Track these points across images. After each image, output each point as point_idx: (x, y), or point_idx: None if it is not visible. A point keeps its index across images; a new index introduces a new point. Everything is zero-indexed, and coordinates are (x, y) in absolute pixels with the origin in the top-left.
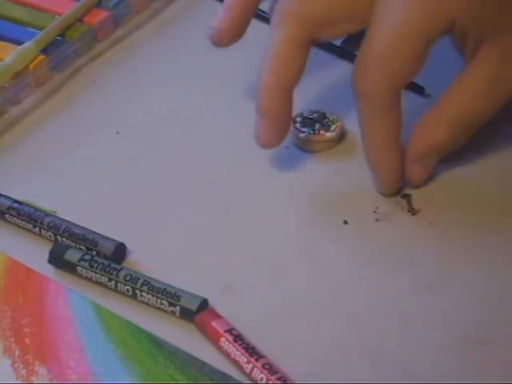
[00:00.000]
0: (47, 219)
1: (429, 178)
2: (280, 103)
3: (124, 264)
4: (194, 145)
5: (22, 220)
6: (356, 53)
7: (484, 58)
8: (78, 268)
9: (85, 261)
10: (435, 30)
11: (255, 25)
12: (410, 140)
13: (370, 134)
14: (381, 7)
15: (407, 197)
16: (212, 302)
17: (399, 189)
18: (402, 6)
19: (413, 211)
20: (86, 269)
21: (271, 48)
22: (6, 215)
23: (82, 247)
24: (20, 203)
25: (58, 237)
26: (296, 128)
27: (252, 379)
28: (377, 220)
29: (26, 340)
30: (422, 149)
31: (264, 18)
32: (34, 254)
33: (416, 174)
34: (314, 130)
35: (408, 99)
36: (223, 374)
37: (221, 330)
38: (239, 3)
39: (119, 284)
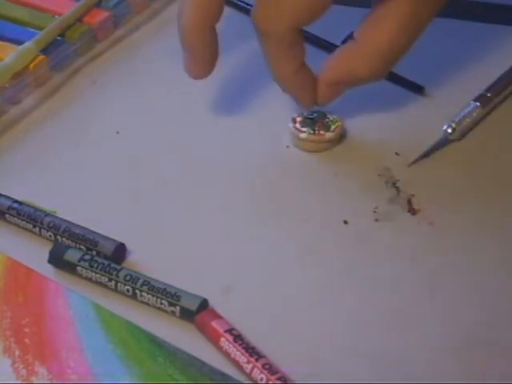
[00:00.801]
0: (47, 219)
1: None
2: (204, 39)
3: (124, 264)
4: (194, 145)
5: (22, 220)
6: None
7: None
8: (78, 268)
9: (85, 261)
10: None
11: None
12: (329, 61)
13: (277, 69)
14: None
15: (408, 197)
16: (212, 302)
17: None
18: None
19: (413, 211)
20: (86, 269)
21: None
22: (6, 215)
23: (82, 247)
24: (20, 203)
25: (58, 237)
26: (296, 128)
27: (252, 379)
28: (377, 220)
29: (26, 340)
30: (341, 75)
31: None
32: (34, 254)
33: (326, 96)
34: (314, 130)
35: (408, 99)
36: (223, 374)
37: (221, 330)
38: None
39: (119, 284)
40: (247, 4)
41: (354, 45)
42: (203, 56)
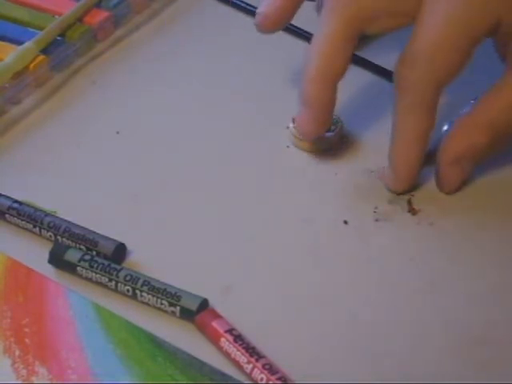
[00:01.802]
0: (47, 219)
1: (463, 184)
2: (326, 93)
3: (124, 264)
4: (194, 145)
5: (22, 220)
6: (357, 53)
7: None
8: (78, 268)
9: (85, 261)
10: (480, 28)
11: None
12: (445, 141)
13: (404, 127)
14: (428, 3)
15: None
16: (212, 302)
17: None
18: (448, 4)
19: (413, 211)
20: (86, 269)
21: (319, 41)
22: (6, 215)
23: (82, 247)
24: (20, 203)
25: (58, 237)
26: (296, 128)
27: (252, 379)
28: (377, 220)
29: (26, 340)
30: (461, 150)
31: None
32: (34, 254)
33: (452, 176)
34: None
35: None
36: (223, 374)
37: (221, 330)
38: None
39: (119, 284)
40: (248, 4)
41: (467, 117)
42: (322, 112)
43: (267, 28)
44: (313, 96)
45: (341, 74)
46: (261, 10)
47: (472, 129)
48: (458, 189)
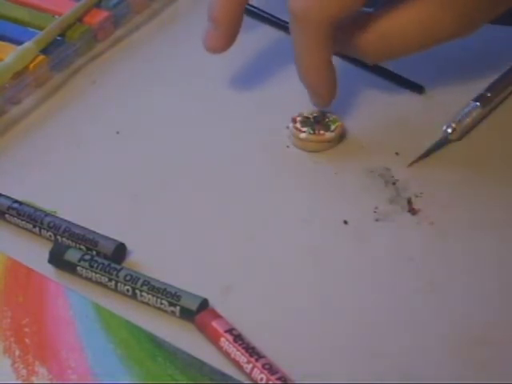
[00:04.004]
0: (47, 219)
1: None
2: (234, 10)
3: (124, 264)
4: (194, 145)
5: (22, 220)
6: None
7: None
8: (78, 268)
9: (85, 261)
10: None
11: (255, 25)
12: (376, 15)
13: (308, 60)
14: None
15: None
16: (212, 302)
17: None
18: None
19: (413, 211)
20: (86, 269)
21: None
22: (6, 215)
23: (82, 247)
24: (20, 203)
25: (58, 237)
26: (296, 128)
27: (252, 379)
28: (377, 220)
29: (26, 340)
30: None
31: (262, 17)
32: (34, 254)
33: (376, 48)
34: (313, 130)
35: (408, 99)
36: (223, 374)
37: (221, 330)
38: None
39: (119, 284)
40: (248, 4)
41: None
42: (228, 30)
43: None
44: (220, 13)
45: None
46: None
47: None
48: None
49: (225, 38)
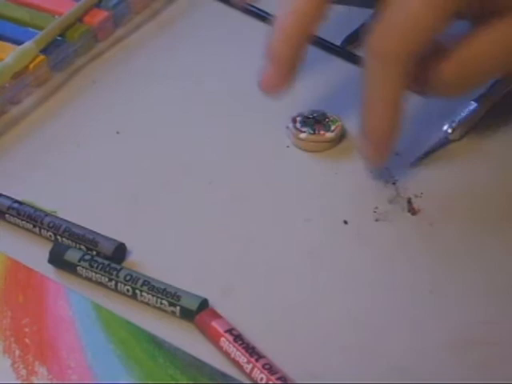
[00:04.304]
0: (47, 219)
1: None
2: (297, 51)
3: (124, 264)
4: (194, 145)
5: (22, 220)
6: (356, 52)
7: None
8: (78, 268)
9: (85, 261)
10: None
11: (255, 25)
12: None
13: (378, 96)
14: None
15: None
16: (212, 302)
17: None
18: None
19: (413, 211)
20: (86, 269)
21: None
22: (6, 215)
23: (82, 247)
24: (20, 203)
25: (58, 237)
26: (296, 128)
27: (252, 379)
28: (377, 220)
29: (26, 340)
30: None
31: (263, 17)
32: (34, 254)
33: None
34: (314, 130)
35: (408, 98)
36: (223, 374)
37: (221, 330)
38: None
39: (119, 284)
40: (248, 4)
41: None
42: (289, 70)
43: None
44: (282, 53)
45: (313, 32)
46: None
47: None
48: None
49: (287, 77)
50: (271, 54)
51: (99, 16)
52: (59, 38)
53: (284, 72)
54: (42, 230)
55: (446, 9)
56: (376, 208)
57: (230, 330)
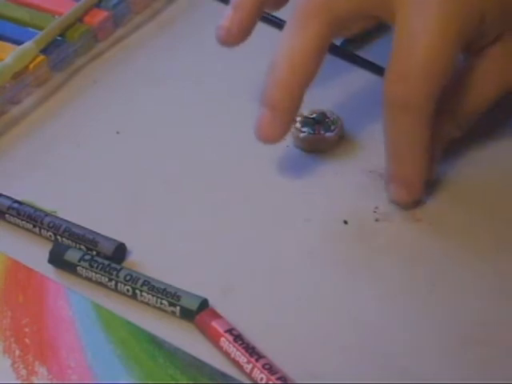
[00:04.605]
0: (47, 219)
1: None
2: (296, 100)
3: (124, 264)
4: (194, 145)
5: (22, 220)
6: (356, 53)
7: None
8: (78, 268)
9: (85, 261)
10: (470, 26)
11: (256, 26)
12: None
13: (408, 143)
14: (408, 2)
15: None
16: (212, 302)
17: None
18: (434, 3)
19: (413, 211)
20: (86, 269)
21: (292, 44)
22: (6, 215)
23: (82, 247)
24: (20, 203)
25: (58, 237)
26: (296, 128)
27: (252, 379)
28: (377, 220)
29: (26, 340)
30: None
31: (263, 17)
32: (34, 254)
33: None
34: (314, 130)
35: None
36: (223, 374)
37: (221, 330)
38: (249, 3)
39: (119, 284)
40: None
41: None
42: (287, 118)
43: (229, 42)
44: (281, 102)
45: (312, 79)
46: (223, 24)
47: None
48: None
49: (284, 125)
50: (269, 103)
51: (99, 16)
52: (59, 37)
53: (283, 121)
54: (42, 230)
55: (458, 41)
56: (376, 208)
57: (229, 330)
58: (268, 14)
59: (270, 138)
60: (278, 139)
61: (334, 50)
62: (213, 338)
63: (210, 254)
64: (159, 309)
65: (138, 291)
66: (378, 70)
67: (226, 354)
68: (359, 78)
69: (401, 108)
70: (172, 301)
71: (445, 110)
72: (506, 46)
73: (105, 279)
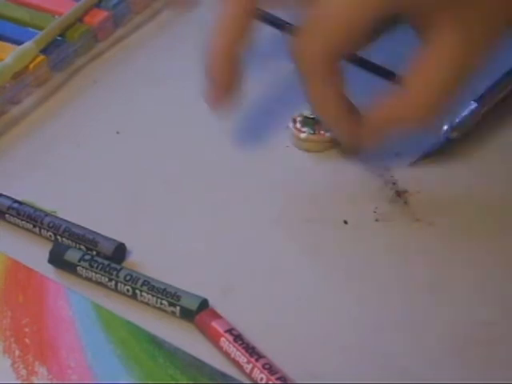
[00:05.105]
0: (47, 219)
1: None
2: (229, 67)
3: (124, 264)
4: (194, 145)
5: (22, 220)
6: (356, 53)
7: (445, 40)
8: (78, 268)
9: (85, 261)
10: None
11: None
12: (375, 111)
13: (313, 95)
14: None
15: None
16: (212, 302)
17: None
18: None
19: (412, 211)
20: (86, 269)
21: (221, 18)
22: (6, 215)
23: (82, 247)
24: (20, 203)
25: (58, 237)
26: (296, 128)
27: (252, 379)
28: (377, 220)
29: (26, 340)
30: (387, 124)
31: (262, 17)
32: (34, 254)
33: (373, 140)
34: (314, 130)
35: None
36: (223, 374)
37: (221, 330)
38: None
39: (119, 284)
40: None
41: (403, 93)
42: (227, 87)
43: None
44: (218, 70)
45: (244, 47)
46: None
47: (407, 107)
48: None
49: (226, 96)
50: (208, 73)
51: (99, 16)
52: (59, 37)
53: (222, 90)
54: (42, 230)
55: (370, 8)
56: (376, 208)
57: (229, 330)
58: (271, 14)
59: (214, 105)
60: (223, 107)
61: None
62: (213, 338)
63: (210, 254)
64: (159, 309)
65: (138, 291)
66: (378, 70)
67: (226, 354)
68: (359, 78)
69: (301, 61)
70: (172, 301)
71: None
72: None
73: (105, 279)
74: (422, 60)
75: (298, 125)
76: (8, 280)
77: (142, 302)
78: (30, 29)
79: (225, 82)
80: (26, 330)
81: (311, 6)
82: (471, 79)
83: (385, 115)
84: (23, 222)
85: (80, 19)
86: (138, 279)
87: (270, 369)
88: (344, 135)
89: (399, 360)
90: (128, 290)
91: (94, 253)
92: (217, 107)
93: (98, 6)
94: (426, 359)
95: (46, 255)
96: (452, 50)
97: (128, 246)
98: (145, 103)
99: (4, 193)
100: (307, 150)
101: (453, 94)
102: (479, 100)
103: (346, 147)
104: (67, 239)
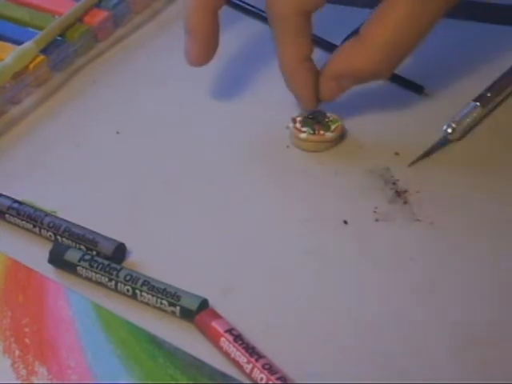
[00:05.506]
0: (47, 219)
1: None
2: (207, 22)
3: (124, 264)
4: (194, 145)
5: (22, 220)
6: None
7: None
8: (78, 268)
9: (85, 261)
10: None
11: (255, 25)
12: (331, 58)
13: (283, 55)
14: None
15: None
16: (212, 302)
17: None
18: None
19: (412, 211)
20: (86, 269)
21: None
22: (6, 215)
23: (82, 247)
24: (20, 203)
25: (58, 237)
26: (296, 128)
27: (252, 379)
28: (377, 220)
29: (26, 340)
30: (342, 70)
31: (263, 16)
32: (34, 254)
33: (329, 90)
34: (313, 130)
35: (408, 99)
36: (223, 374)
37: (221, 330)
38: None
39: (119, 284)
40: (248, 4)
41: (357, 39)
42: (205, 40)
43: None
44: (196, 24)
45: (220, 2)
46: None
47: (359, 51)
48: (334, 99)
49: (204, 49)
50: (186, 28)
51: (99, 16)
52: (59, 38)
53: (202, 44)
54: (42, 230)
55: None
56: (376, 208)
57: (229, 330)
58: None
59: (194, 61)
60: (202, 62)
61: (334, 50)
62: (213, 338)
63: (210, 253)
64: (159, 309)
65: (137, 291)
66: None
67: (226, 354)
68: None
69: (273, 20)
70: (172, 301)
71: None
72: None
73: (105, 279)
74: (379, 16)
75: (298, 125)
76: (8, 280)
77: (141, 301)
78: (30, 29)
79: (203, 34)
80: (26, 329)
81: None
82: (424, 38)
83: (341, 66)
84: (23, 222)
85: (80, 19)
86: (138, 279)
87: (270, 369)
88: (304, 98)
89: (399, 360)
90: (128, 290)
91: (94, 253)
92: (196, 62)
93: (98, 6)
94: (426, 359)
95: (46, 255)
96: (407, 7)
97: (128, 246)
98: (145, 103)
99: (4, 193)
100: (307, 150)
101: (406, 49)
102: (479, 100)
103: (304, 102)
104: (67, 239)
